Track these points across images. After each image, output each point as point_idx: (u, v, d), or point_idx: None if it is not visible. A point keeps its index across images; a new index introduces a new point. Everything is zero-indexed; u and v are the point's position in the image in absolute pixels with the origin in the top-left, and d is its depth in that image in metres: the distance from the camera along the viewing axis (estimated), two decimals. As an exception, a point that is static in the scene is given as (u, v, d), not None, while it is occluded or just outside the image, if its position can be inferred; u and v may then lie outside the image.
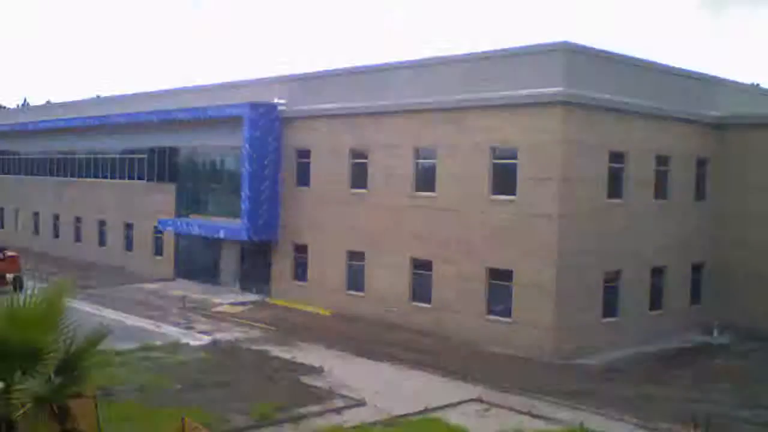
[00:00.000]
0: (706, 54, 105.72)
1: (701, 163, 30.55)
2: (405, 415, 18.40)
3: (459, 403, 19.58)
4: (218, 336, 26.83)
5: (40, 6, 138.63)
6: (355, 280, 31.15)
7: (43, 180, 52.89)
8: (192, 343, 25.80)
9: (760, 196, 29.48)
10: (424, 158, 28.79)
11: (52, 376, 8.40)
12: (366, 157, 30.81)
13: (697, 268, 30.60)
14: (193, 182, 39.57)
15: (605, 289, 26.47)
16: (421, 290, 28.69)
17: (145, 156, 42.82)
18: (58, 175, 51.34)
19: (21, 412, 8.36)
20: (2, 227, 57.79)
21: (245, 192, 33.79)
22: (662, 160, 28.65)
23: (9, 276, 33.58)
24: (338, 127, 31.83)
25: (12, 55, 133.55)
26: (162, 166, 41.36)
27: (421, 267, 28.67)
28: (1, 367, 8.09)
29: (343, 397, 19.77)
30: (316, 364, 22.93)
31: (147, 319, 29.38)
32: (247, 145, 33.64)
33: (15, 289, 30.25)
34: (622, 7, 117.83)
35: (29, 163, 55.33)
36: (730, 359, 26.03)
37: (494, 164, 26.40)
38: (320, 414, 18.34)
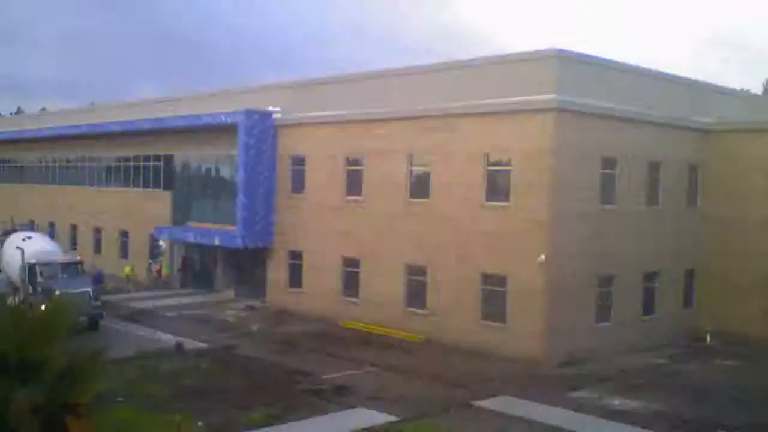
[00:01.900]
0: (698, 60, 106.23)
1: (693, 169, 30.77)
2: (400, 421, 18.52)
3: (453, 407, 19.70)
4: (213, 343, 26.89)
5: (35, 12, 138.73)
6: (350, 286, 31.26)
7: (39, 188, 52.91)
8: (187, 349, 25.85)
9: (751, 202, 29.68)
10: (418, 165, 28.96)
11: (51, 386, 8.52)
12: (361, 164, 30.97)
13: (689, 274, 30.78)
14: (188, 190, 39.68)
15: (598, 294, 26.65)
16: (415, 296, 28.83)
17: (140, 164, 42.94)
18: (53, 183, 51.40)
19: (18, 421, 8.46)
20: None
21: (240, 199, 33.91)
22: (654, 166, 28.86)
23: None
24: (333, 134, 31.99)
25: (7, 60, 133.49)
26: (157, 173, 41.49)
27: (416, 273, 28.81)
28: (2, 380, 8.20)
29: (338, 402, 19.88)
30: (309, 369, 23.07)
31: (142, 326, 29.44)
32: (242, 153, 33.76)
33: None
34: (614, 14, 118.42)
35: (24, 171, 55.38)
36: (724, 364, 26.17)
37: (488, 171, 26.57)
38: (315, 419, 18.46)
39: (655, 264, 28.92)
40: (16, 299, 24.20)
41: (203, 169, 39.26)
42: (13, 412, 8.43)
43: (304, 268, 33.37)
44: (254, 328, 29.99)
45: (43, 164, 52.80)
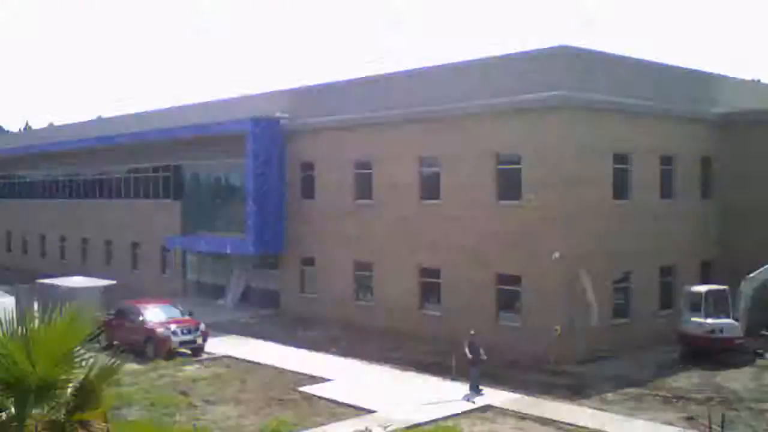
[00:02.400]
0: (707, 50, 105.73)
1: (706, 161, 30.46)
2: (419, 424, 18.33)
3: (472, 410, 19.51)
4: (229, 351, 26.77)
5: (41, 27, 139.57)
6: (364, 290, 31.11)
7: (49, 203, 53.04)
8: (202, 359, 25.75)
9: (766, 193, 29.35)
10: (429, 166, 28.79)
11: (66, 402, 8.41)
12: (370, 168, 30.83)
13: (705, 267, 30.44)
14: (198, 199, 39.62)
15: (614, 290, 26.40)
16: (429, 298, 28.63)
17: (149, 175, 42.94)
18: (63, 198, 51.51)
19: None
20: (10, 250, 57.97)
21: (250, 207, 33.83)
22: (667, 160, 28.58)
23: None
24: (341, 139, 31.87)
25: (13, 77, 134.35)
26: (167, 184, 41.48)
27: (430, 275, 28.62)
28: (17, 398, 8.09)
29: (355, 407, 19.70)
30: (326, 375, 22.92)
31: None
32: (250, 160, 33.70)
33: None
34: (622, 6, 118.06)
35: (34, 186, 55.55)
36: (744, 359, 25.80)
37: (499, 170, 26.38)
38: (334, 425, 18.30)
39: (671, 258, 28.62)
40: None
41: (212, 177, 39.21)
42: (29, 430, 8.33)
43: (316, 273, 33.24)
44: (266, 334, 29.83)
45: (53, 179, 52.92)
